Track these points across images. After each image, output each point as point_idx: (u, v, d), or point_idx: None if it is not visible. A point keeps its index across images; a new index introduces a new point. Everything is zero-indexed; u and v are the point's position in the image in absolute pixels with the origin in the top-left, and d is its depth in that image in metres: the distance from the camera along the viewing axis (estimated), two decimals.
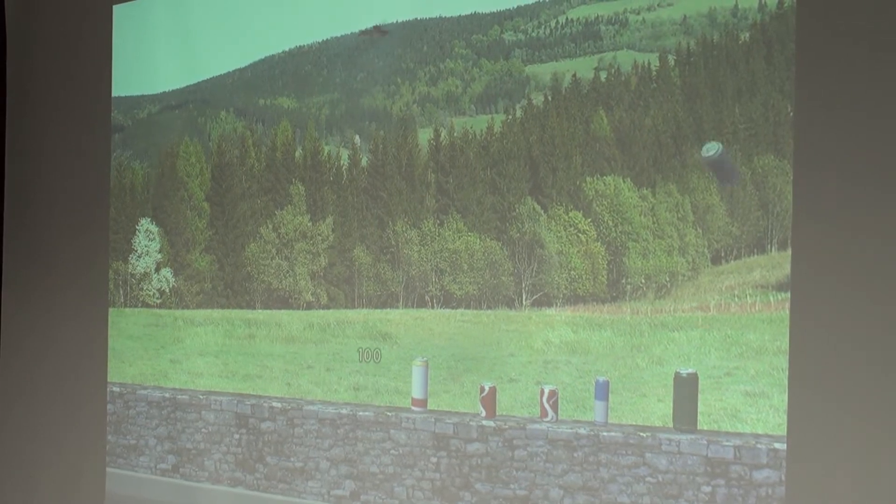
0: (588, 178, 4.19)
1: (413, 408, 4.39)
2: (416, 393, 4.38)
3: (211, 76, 5.34)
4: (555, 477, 4.00)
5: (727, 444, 3.65)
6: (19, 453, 5.74)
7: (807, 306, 3.41)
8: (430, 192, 4.57)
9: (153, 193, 5.47)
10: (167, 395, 5.21)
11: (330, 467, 4.61)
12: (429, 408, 4.37)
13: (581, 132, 4.22)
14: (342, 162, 4.89)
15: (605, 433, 3.90)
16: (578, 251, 4.23)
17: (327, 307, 4.86)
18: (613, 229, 4.17)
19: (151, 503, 5.25)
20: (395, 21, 4.72)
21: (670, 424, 3.79)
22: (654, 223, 4.08)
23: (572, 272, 4.23)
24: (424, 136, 4.64)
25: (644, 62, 4.12)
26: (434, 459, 4.29)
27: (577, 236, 4.23)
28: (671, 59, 4.03)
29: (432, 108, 4.67)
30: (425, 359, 4.38)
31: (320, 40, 4.98)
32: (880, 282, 3.27)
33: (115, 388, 5.42)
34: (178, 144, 5.41)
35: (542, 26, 4.47)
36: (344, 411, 4.59)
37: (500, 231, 4.38)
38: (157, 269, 5.42)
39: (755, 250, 3.88)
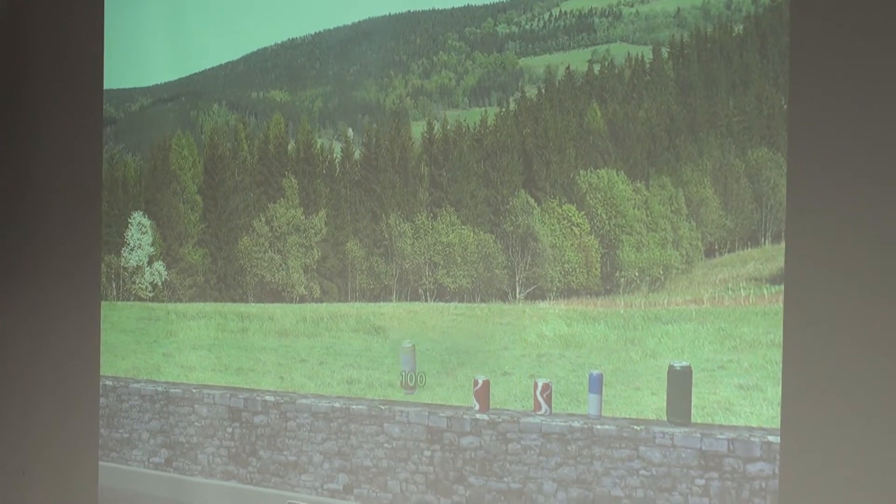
0: (582, 171, 4.19)
1: (404, 391, 4.37)
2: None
3: (203, 69, 5.33)
4: (548, 470, 3.99)
5: (721, 437, 3.65)
6: (12, 447, 5.73)
7: (801, 299, 3.41)
8: (423, 185, 4.57)
9: (145, 186, 5.46)
10: (160, 388, 5.20)
11: (323, 461, 4.61)
12: (422, 401, 4.37)
13: (575, 125, 4.21)
14: (335, 155, 4.87)
15: (598, 426, 3.90)
16: (572, 244, 4.22)
17: (320, 300, 4.86)
18: (607, 222, 4.17)
19: (144, 497, 5.24)
20: (387, 13, 4.70)
21: (664, 418, 3.79)
22: (647, 216, 4.07)
23: (566, 265, 4.23)
24: (418, 128, 4.63)
25: (638, 55, 4.11)
26: (428, 453, 4.29)
27: (571, 229, 4.22)
28: (665, 51, 4.02)
29: (425, 100, 4.66)
30: (412, 343, 4.37)
31: (313, 33, 4.97)
32: (874, 274, 3.27)
33: (107, 382, 5.40)
34: (170, 137, 5.40)
35: (536, 19, 4.46)
36: (337, 405, 4.58)
37: (494, 224, 4.37)
38: (150, 263, 5.40)
39: (749, 243, 3.88)
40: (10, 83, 5.80)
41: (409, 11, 4.71)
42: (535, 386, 4.07)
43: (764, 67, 3.75)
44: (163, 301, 5.34)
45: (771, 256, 3.75)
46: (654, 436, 3.77)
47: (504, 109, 4.40)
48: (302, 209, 4.92)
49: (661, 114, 3.99)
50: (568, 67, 4.29)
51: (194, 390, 5.07)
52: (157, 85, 5.45)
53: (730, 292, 3.86)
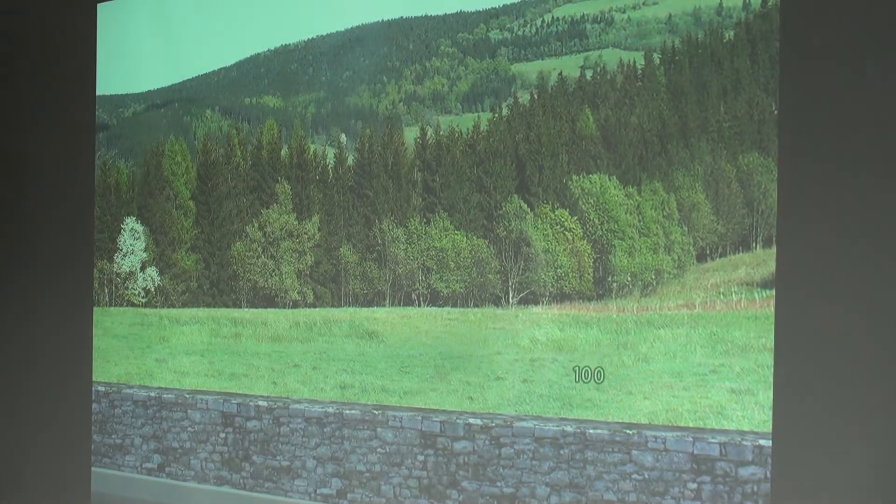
0: (574, 177, 4.21)
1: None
2: None
3: (196, 75, 5.34)
4: (541, 474, 4.00)
5: (713, 441, 3.66)
6: (4, 452, 5.72)
7: (792, 303, 3.43)
8: (416, 191, 4.58)
9: (138, 192, 5.46)
10: (153, 394, 5.20)
11: (317, 466, 4.61)
12: (416, 406, 4.38)
13: (567, 130, 4.23)
14: (328, 160, 4.89)
15: (591, 430, 3.91)
16: (565, 249, 4.24)
17: (314, 306, 4.86)
18: (599, 227, 4.18)
19: (137, 502, 5.23)
20: (380, 20, 4.72)
21: (656, 422, 3.80)
22: (639, 221, 4.09)
23: (559, 270, 4.24)
24: (411, 134, 4.65)
25: (629, 61, 4.13)
26: (421, 457, 4.30)
27: (564, 234, 4.24)
28: (656, 57, 4.04)
29: (418, 106, 4.67)
30: None
31: (306, 39, 4.98)
32: (865, 279, 3.29)
33: (100, 388, 5.40)
34: (163, 143, 5.40)
35: (528, 25, 4.48)
36: (330, 409, 4.59)
37: (487, 229, 4.39)
38: (143, 268, 5.40)
39: (740, 248, 3.90)
40: (2, 89, 5.79)
41: (401, 17, 4.73)
42: None
43: (755, 73, 3.77)
44: (156, 306, 5.34)
45: (762, 261, 3.77)
46: (646, 440, 3.78)
47: (497, 115, 4.42)
48: (295, 214, 4.93)
49: (653, 119, 4.01)
50: (560, 73, 4.31)
51: (187, 395, 5.07)
52: (150, 91, 5.45)
53: (721, 297, 3.88)
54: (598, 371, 3.91)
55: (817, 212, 3.41)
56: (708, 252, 3.97)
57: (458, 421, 4.22)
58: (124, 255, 5.46)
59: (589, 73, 4.23)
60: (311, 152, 4.94)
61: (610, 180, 4.11)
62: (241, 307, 5.08)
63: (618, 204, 4.11)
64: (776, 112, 3.61)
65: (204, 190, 5.24)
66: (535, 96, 4.33)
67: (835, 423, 3.35)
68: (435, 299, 4.50)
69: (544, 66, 4.38)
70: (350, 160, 4.79)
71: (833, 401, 3.36)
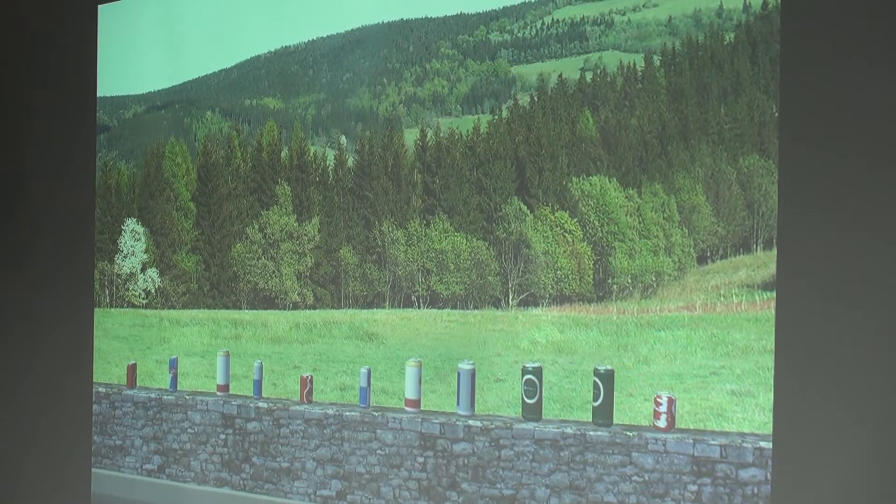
0: (574, 179, 4.21)
1: (406, 408, 4.38)
2: (409, 393, 4.38)
3: (197, 76, 5.34)
4: (541, 476, 4.00)
5: (713, 442, 3.66)
6: (5, 453, 5.72)
7: (792, 305, 3.43)
8: (416, 193, 4.58)
9: (139, 194, 5.46)
10: (153, 395, 5.20)
11: (316, 467, 4.61)
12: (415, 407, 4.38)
13: (567, 132, 4.23)
14: (328, 162, 4.89)
15: (591, 432, 3.91)
16: (565, 251, 4.24)
17: (313, 307, 4.86)
18: (599, 229, 4.18)
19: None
20: (381, 21, 4.72)
21: (657, 424, 3.80)
22: (640, 223, 4.09)
23: (559, 272, 4.24)
24: (411, 136, 4.65)
25: (629, 62, 4.13)
26: (421, 459, 4.30)
27: (564, 236, 4.24)
28: (656, 59, 4.04)
29: (418, 108, 4.67)
30: (418, 359, 4.38)
31: (306, 40, 4.98)
32: (865, 281, 3.29)
33: (100, 389, 5.40)
34: (163, 144, 5.40)
35: (528, 27, 4.48)
36: (330, 411, 4.59)
37: (487, 231, 4.39)
38: (143, 270, 5.41)
39: (741, 250, 3.90)
40: (3, 90, 5.79)
41: (402, 19, 4.72)
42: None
43: (755, 75, 3.77)
44: (156, 308, 5.34)
45: (763, 263, 3.77)
46: (646, 441, 3.78)
47: (497, 117, 4.42)
48: (295, 216, 4.93)
49: (653, 121, 4.01)
50: (560, 75, 4.30)
51: (187, 397, 5.07)
52: (150, 92, 5.45)
53: (722, 299, 3.88)
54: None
55: (818, 214, 3.40)
56: (708, 254, 3.97)
57: (457, 423, 4.22)
58: (125, 257, 5.46)
59: (589, 75, 4.23)
60: (311, 154, 4.94)
61: (610, 182, 4.11)
62: (241, 309, 5.08)
63: (618, 206, 4.11)
64: (776, 114, 3.61)
65: (204, 191, 5.24)
66: (535, 98, 4.33)
67: (835, 425, 3.35)
68: (435, 301, 4.50)
69: (544, 68, 4.38)
70: (350, 162, 4.79)
71: (833, 403, 3.36)
